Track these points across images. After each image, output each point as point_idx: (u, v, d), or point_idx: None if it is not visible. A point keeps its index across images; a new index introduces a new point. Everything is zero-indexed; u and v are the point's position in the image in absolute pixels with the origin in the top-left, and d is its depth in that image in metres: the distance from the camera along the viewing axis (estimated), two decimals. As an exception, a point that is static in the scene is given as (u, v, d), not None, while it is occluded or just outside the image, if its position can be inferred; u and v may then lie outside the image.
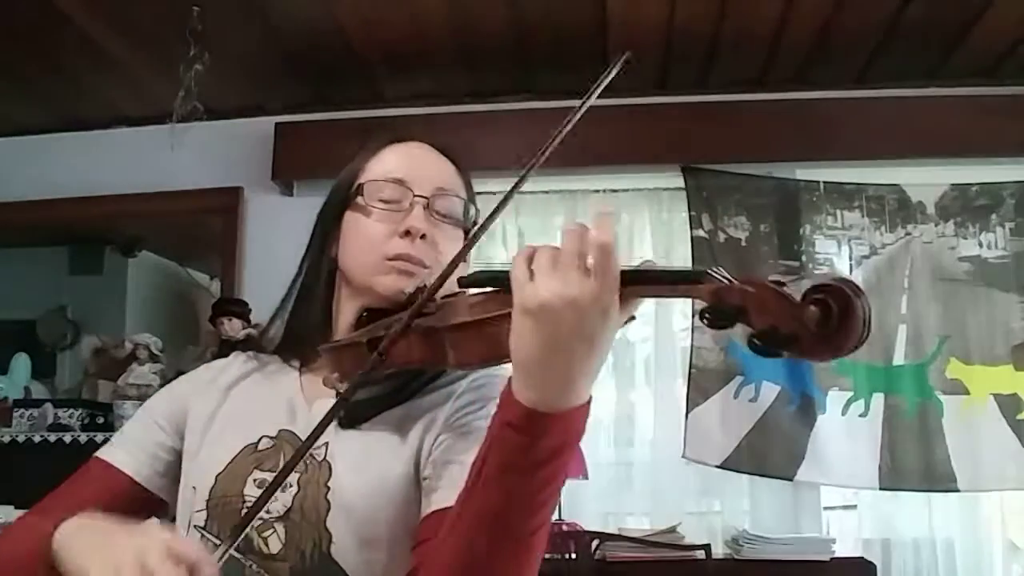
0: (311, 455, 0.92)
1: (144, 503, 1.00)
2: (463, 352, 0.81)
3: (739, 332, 3.06)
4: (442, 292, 0.86)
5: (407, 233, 0.97)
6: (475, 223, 1.06)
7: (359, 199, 1.01)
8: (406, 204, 0.99)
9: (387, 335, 0.81)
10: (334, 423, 0.93)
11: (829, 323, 0.59)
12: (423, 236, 0.97)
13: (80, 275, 3.54)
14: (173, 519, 0.99)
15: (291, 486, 0.91)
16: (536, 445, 0.71)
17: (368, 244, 0.99)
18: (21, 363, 3.29)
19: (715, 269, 0.66)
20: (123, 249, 3.51)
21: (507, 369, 0.75)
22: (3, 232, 3.48)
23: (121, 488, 1.01)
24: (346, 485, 0.90)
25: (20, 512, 2.96)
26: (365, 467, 0.91)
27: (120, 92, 3.22)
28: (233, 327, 2.92)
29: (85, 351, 3.32)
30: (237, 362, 1.09)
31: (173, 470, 1.02)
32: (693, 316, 3.07)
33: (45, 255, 3.60)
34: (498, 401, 0.74)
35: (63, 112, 3.39)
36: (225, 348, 2.88)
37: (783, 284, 0.63)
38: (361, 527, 0.88)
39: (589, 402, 0.73)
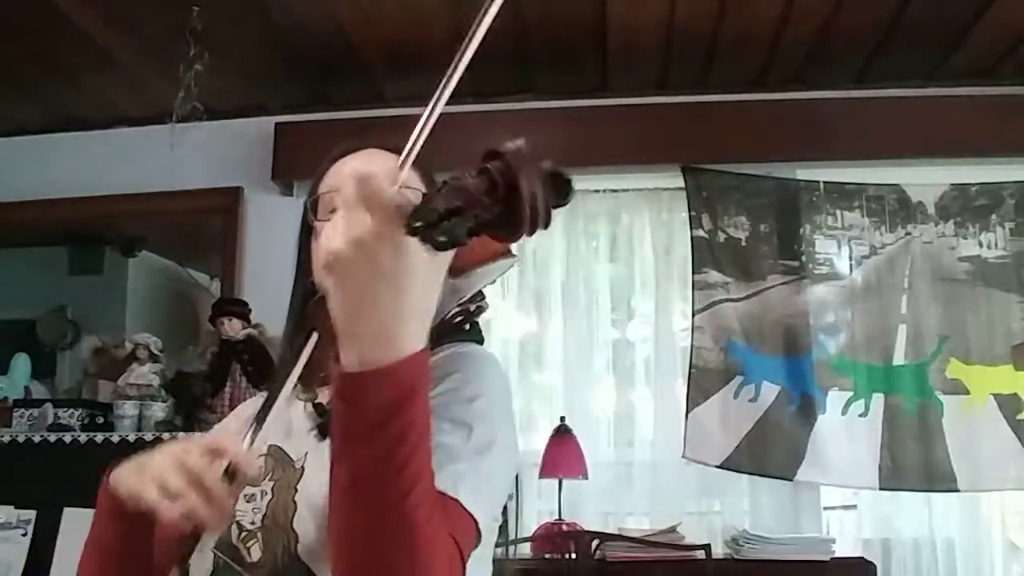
0: (291, 463, 0.96)
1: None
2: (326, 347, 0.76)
3: (738, 330, 3.03)
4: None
5: None
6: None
7: (312, 221, 1.02)
8: None
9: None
10: (313, 434, 0.97)
11: (496, 192, 0.57)
12: None
13: (80, 275, 3.54)
14: None
15: (267, 494, 0.94)
16: (363, 407, 0.67)
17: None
18: (21, 363, 3.28)
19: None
20: (123, 249, 3.51)
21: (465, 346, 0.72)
22: (3, 232, 3.48)
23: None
24: (312, 486, 0.92)
25: (20, 512, 2.94)
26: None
27: (120, 92, 3.22)
28: (233, 327, 2.92)
29: (85, 351, 3.31)
30: (259, 397, 1.11)
31: None
32: (693, 316, 3.07)
33: (45, 255, 3.60)
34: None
35: (63, 112, 3.38)
36: (225, 348, 2.89)
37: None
38: (325, 525, 0.86)
39: (422, 353, 0.69)
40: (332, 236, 0.65)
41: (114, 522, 0.92)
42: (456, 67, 0.73)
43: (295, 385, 1.01)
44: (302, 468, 0.95)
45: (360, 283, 0.65)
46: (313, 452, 0.96)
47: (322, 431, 0.96)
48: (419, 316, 0.68)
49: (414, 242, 0.63)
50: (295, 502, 0.92)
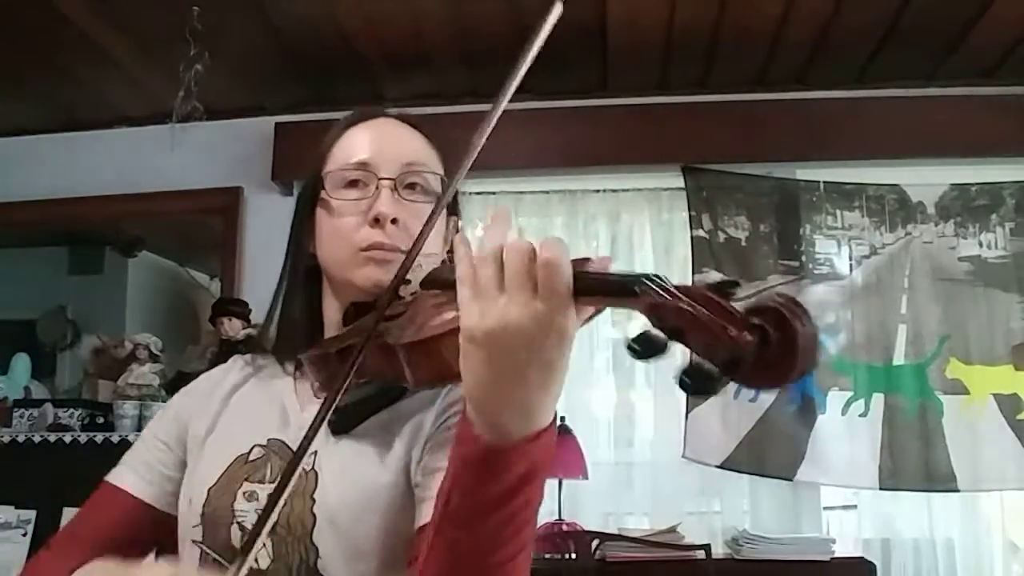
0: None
1: (158, 523, 0.98)
2: (417, 372, 0.74)
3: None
4: (420, 275, 0.82)
5: (376, 221, 0.92)
6: (454, 207, 1.02)
7: (323, 192, 0.96)
8: (372, 189, 0.94)
9: (355, 348, 0.76)
10: (325, 430, 0.90)
11: (768, 350, 0.52)
12: (394, 221, 0.92)
13: (80, 275, 3.54)
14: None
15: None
16: (496, 481, 0.67)
17: (339, 238, 0.94)
18: (21, 363, 3.29)
19: (654, 276, 0.58)
20: (123, 249, 3.51)
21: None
22: (3, 232, 3.49)
23: (133, 511, 0.99)
24: (331, 497, 0.87)
25: (20, 512, 2.95)
26: (351, 477, 0.88)
27: (120, 92, 3.22)
28: (233, 327, 2.92)
29: (85, 351, 3.32)
30: (235, 368, 1.06)
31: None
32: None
33: (45, 255, 3.60)
34: (456, 432, 0.70)
35: (63, 112, 3.38)
36: (225, 348, 2.89)
37: (729, 293, 0.55)
38: (348, 540, 0.85)
39: (553, 423, 0.68)
40: (492, 311, 0.62)
41: None
42: (519, 68, 0.74)
43: (297, 387, 0.99)
44: (315, 473, 0.88)
45: (514, 365, 0.62)
46: (325, 453, 0.89)
47: (334, 428, 0.90)
48: (559, 392, 0.66)
49: (571, 328, 0.61)
50: (314, 514, 0.86)
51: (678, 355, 0.59)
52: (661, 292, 0.56)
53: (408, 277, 0.82)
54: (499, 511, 0.68)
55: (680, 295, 0.56)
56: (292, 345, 0.99)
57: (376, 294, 0.89)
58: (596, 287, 0.62)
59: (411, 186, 0.96)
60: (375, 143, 0.97)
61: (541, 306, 0.61)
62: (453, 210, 1.04)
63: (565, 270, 0.61)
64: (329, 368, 0.86)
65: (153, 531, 0.97)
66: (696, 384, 0.54)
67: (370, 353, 0.76)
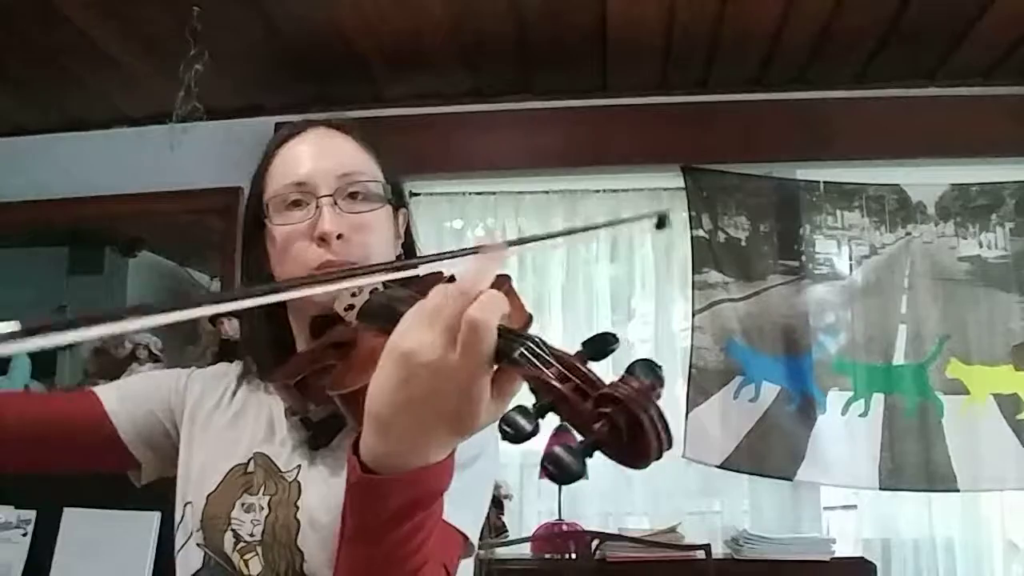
0: (282, 477, 0.94)
1: (115, 451, 1.01)
2: (357, 420, 0.72)
3: (738, 330, 3.01)
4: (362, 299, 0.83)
5: (322, 239, 0.93)
6: (400, 201, 1.03)
7: (267, 219, 0.97)
8: (313, 208, 0.94)
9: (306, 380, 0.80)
10: (304, 447, 0.96)
11: (621, 437, 0.55)
12: (340, 236, 0.93)
13: (80, 275, 3.53)
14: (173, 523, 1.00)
15: (263, 509, 0.92)
16: (378, 508, 0.67)
17: (289, 261, 0.95)
18: (21, 363, 3.28)
19: (530, 343, 0.59)
20: (123, 249, 3.51)
21: None
22: (3, 232, 3.48)
23: (100, 430, 1.01)
24: (313, 503, 0.91)
25: (20, 512, 2.94)
26: (333, 483, 0.91)
27: (120, 92, 3.22)
28: (233, 327, 2.92)
29: (85, 351, 3.31)
30: (232, 371, 1.10)
31: (163, 448, 1.03)
32: (693, 316, 3.07)
33: (45, 255, 3.60)
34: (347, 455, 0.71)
35: (63, 112, 3.38)
36: (225, 348, 2.89)
37: (601, 356, 0.59)
38: (330, 542, 0.87)
39: (444, 462, 0.68)
40: (414, 336, 0.62)
41: None
42: None
43: (282, 395, 1.01)
44: (298, 484, 0.93)
45: (414, 395, 0.62)
46: (306, 466, 0.94)
47: (311, 444, 0.95)
48: (453, 442, 0.66)
49: (481, 392, 0.61)
50: (297, 520, 0.90)
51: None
52: (535, 363, 0.58)
53: (352, 302, 0.83)
54: (385, 536, 0.69)
55: (551, 366, 0.58)
56: (265, 366, 1.02)
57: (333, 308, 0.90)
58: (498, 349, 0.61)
59: (352, 195, 0.96)
60: (310, 158, 0.98)
61: (454, 355, 0.60)
62: (400, 203, 1.05)
63: (485, 335, 0.59)
64: (292, 396, 0.90)
65: (104, 451, 1.00)
66: (561, 474, 0.55)
67: (321, 388, 0.79)
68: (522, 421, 0.57)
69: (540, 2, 2.69)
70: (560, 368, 0.58)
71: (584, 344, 0.60)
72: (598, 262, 3.34)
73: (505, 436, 0.57)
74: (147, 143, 3.26)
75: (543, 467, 0.56)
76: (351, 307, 0.84)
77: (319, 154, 0.98)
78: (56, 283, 3.54)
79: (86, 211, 3.36)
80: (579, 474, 0.55)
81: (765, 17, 2.76)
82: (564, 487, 2.87)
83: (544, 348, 0.60)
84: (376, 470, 0.66)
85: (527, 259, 3.30)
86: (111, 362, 3.17)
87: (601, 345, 0.60)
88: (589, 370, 0.58)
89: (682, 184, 3.16)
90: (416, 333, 0.62)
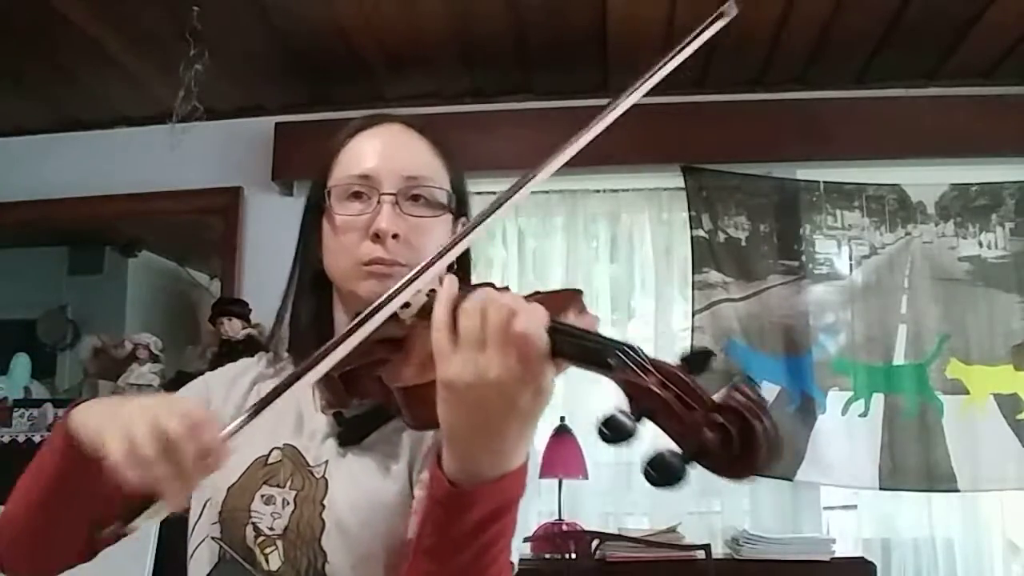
0: (310, 472, 0.92)
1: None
2: (414, 415, 0.76)
3: (738, 330, 3.00)
4: (421, 300, 0.82)
5: (377, 236, 0.93)
6: (462, 211, 1.01)
7: (327, 205, 0.97)
8: (374, 203, 0.94)
9: (355, 372, 0.79)
10: (334, 443, 0.94)
11: (731, 448, 0.56)
12: (395, 236, 0.93)
13: (80, 275, 3.54)
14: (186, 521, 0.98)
15: (288, 504, 0.90)
16: (464, 519, 0.69)
17: (342, 251, 0.95)
18: (21, 363, 3.29)
19: (629, 349, 0.62)
20: (123, 249, 3.51)
21: None
22: (3, 232, 3.48)
23: None
24: (340, 504, 0.89)
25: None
26: (360, 485, 0.90)
27: (120, 92, 3.22)
28: (233, 327, 2.92)
29: (85, 351, 3.31)
30: (260, 364, 1.07)
31: None
32: (693, 316, 3.07)
33: (45, 255, 3.60)
34: (428, 469, 0.71)
35: (63, 112, 3.38)
36: (225, 348, 2.89)
37: (704, 368, 0.60)
38: (355, 545, 0.87)
39: (525, 463, 0.70)
40: (468, 362, 0.64)
41: (63, 455, 0.86)
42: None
43: (314, 392, 1.00)
44: (325, 481, 0.91)
45: (488, 414, 0.65)
46: (335, 463, 0.92)
47: (342, 440, 0.93)
48: (531, 437, 0.69)
49: (549, 384, 0.64)
50: (323, 519, 0.88)
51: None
52: (634, 369, 0.60)
53: (408, 300, 0.82)
54: (469, 547, 0.70)
55: (650, 373, 0.60)
56: (304, 350, 0.99)
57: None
58: (572, 352, 0.64)
59: (415, 198, 0.96)
60: (379, 154, 0.97)
61: (518, 366, 0.63)
62: (462, 212, 1.04)
63: (539, 342, 0.62)
64: (333, 389, 0.88)
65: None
66: (661, 476, 0.58)
67: (370, 382, 0.79)
68: (627, 422, 0.59)
69: (540, 2, 2.69)
70: (659, 376, 0.60)
71: (683, 359, 0.62)
72: (598, 261, 3.34)
73: (604, 437, 0.59)
74: (147, 143, 3.27)
75: (647, 470, 0.58)
76: (408, 305, 0.83)
77: (389, 151, 0.98)
78: (56, 283, 3.54)
79: (86, 211, 3.36)
80: (680, 478, 0.57)
81: (765, 17, 2.76)
82: (564, 487, 2.87)
83: (642, 355, 0.61)
84: (458, 483, 0.68)
85: (528, 259, 3.30)
86: (111, 362, 3.17)
87: (703, 359, 0.62)
88: (693, 380, 0.60)
89: (682, 184, 3.16)
90: (469, 360, 0.64)
